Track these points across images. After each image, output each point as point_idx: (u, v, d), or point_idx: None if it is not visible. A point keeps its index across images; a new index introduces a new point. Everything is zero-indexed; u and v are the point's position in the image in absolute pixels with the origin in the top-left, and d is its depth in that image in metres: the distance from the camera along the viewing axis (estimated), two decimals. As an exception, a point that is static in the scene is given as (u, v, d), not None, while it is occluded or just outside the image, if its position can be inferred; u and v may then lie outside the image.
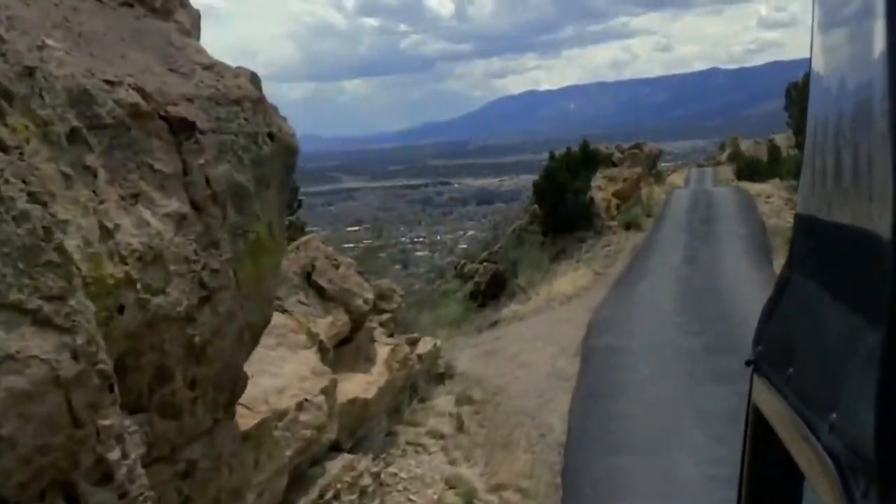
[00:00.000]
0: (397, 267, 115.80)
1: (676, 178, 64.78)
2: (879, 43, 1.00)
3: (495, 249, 32.77)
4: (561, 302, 21.76)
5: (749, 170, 64.38)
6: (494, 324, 20.94)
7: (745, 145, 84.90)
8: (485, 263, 31.94)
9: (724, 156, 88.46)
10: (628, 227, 32.74)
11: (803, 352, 1.32)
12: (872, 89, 1.02)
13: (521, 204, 39.25)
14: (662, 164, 64.04)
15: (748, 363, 1.62)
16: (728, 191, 45.73)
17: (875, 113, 1.01)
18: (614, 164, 39.26)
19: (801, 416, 1.20)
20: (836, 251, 1.23)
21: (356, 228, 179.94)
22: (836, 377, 1.08)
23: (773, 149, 56.80)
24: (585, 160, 33.36)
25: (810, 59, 1.48)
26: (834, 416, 1.05)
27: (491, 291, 29.83)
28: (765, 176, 57.38)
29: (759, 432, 1.58)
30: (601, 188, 35.47)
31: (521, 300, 23.32)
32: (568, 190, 32.11)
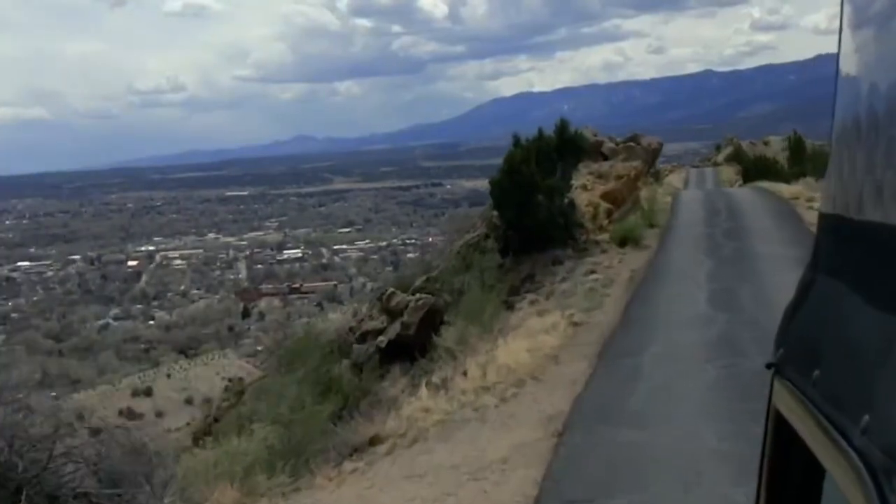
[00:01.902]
0: (388, 269, 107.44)
1: (674, 179, 55.96)
2: None
3: (435, 274, 22.45)
4: (501, 396, 11.44)
5: (757, 169, 56.99)
6: (367, 447, 10.58)
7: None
8: (418, 295, 21.64)
9: (722, 156, 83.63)
10: (623, 242, 22.44)
11: (831, 354, 1.27)
12: None
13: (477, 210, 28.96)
14: (658, 164, 55.92)
15: (769, 366, 1.56)
16: (750, 193, 35.27)
17: None
18: (604, 157, 28.85)
19: (829, 418, 1.15)
20: (867, 250, 1.18)
21: (348, 230, 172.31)
22: (868, 378, 1.04)
23: (797, 142, 46.37)
24: (564, 149, 23.02)
25: (837, 58, 1.40)
26: (867, 418, 1.00)
27: (419, 339, 19.57)
28: (779, 175, 50.29)
29: (780, 435, 1.51)
30: (586, 188, 25.16)
31: (439, 384, 12.93)
32: (538, 190, 21.83)
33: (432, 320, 20.46)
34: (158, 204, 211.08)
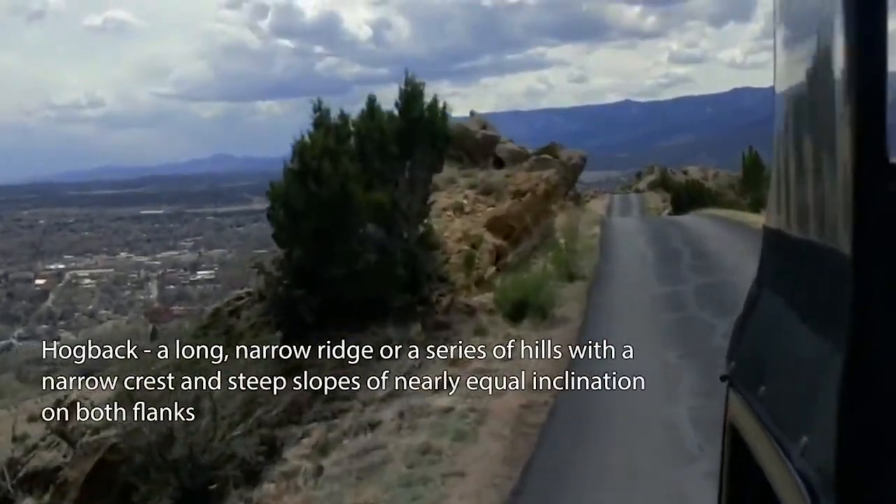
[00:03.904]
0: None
1: (597, 206, 46.84)
2: (839, 61, 0.92)
3: (162, 365, 11.09)
4: None
5: (689, 195, 49.79)
6: None
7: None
8: (101, 420, 10.26)
9: (644, 183, 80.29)
10: (519, 311, 11.39)
11: (774, 371, 1.25)
12: (833, 105, 0.97)
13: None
14: (577, 188, 46.34)
15: (723, 378, 1.50)
16: (709, 224, 24.34)
17: (837, 125, 0.96)
18: (499, 163, 17.66)
19: (775, 436, 1.13)
20: (800, 268, 1.17)
21: (264, 251, 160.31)
22: (805, 399, 1.02)
23: (753, 163, 36.15)
24: (413, 138, 11.85)
25: (774, 76, 1.41)
26: (805, 439, 0.99)
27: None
28: (716, 203, 42.65)
29: (735, 450, 1.47)
30: (462, 209, 14.09)
31: None
32: (359, 211, 10.75)
33: (108, 481, 9.12)
34: (71, 221, 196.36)
